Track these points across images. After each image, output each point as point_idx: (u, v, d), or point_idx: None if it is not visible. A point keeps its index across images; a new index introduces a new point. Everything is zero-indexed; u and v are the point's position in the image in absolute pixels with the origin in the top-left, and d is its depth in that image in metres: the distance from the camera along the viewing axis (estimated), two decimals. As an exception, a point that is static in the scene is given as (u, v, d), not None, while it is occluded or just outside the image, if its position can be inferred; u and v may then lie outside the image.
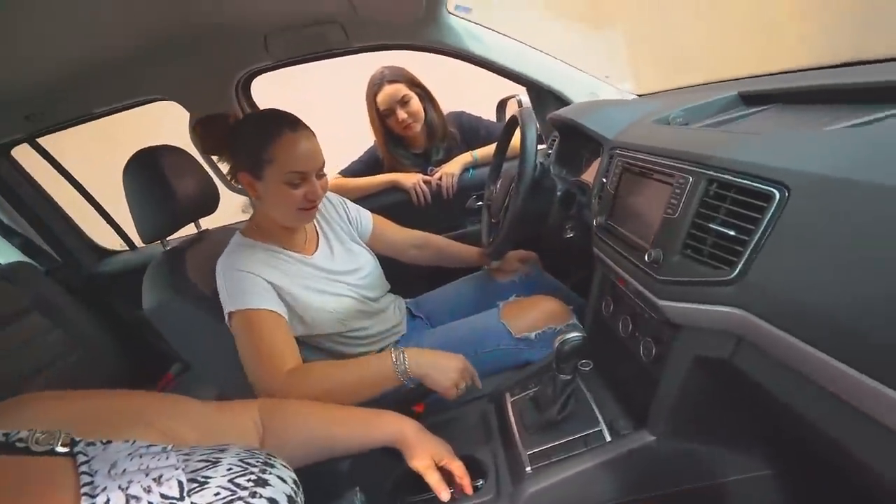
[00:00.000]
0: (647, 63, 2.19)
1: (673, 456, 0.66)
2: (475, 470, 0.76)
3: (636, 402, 0.70)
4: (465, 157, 1.53)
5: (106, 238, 1.72)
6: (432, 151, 1.59)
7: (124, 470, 0.39)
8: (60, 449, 0.39)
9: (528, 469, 0.70)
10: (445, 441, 0.73)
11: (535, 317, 1.00)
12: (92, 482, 0.37)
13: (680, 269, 0.54)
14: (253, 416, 0.64)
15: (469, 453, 0.79)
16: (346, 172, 1.59)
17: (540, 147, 1.01)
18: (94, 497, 0.36)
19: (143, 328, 1.55)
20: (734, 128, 0.67)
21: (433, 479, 0.66)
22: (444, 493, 0.66)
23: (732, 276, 0.46)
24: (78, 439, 0.41)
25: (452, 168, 1.50)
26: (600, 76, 1.34)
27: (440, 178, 1.49)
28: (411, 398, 0.91)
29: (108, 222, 1.65)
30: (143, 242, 1.01)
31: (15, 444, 0.39)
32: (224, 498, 0.38)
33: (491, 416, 0.88)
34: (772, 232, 0.43)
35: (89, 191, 1.60)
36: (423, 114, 1.51)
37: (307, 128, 0.90)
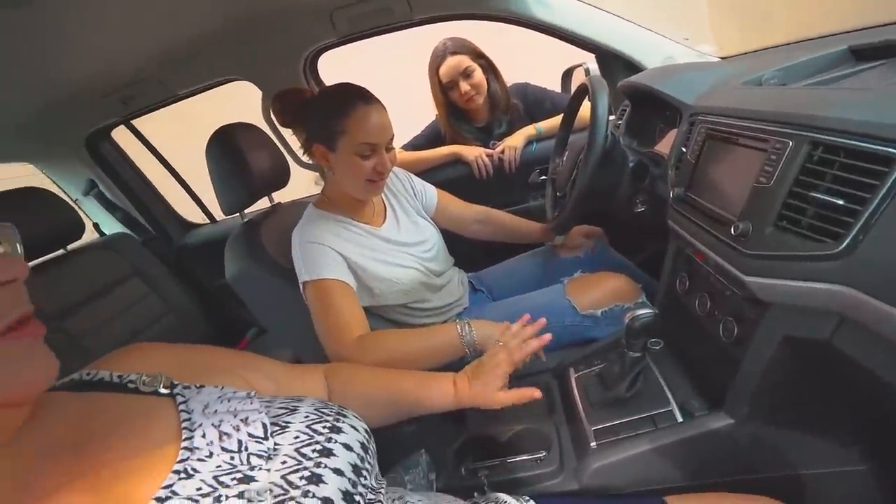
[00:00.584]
0: (730, 23, 1.99)
1: (752, 441, 0.62)
2: (537, 441, 0.76)
3: (712, 383, 0.67)
4: (529, 130, 1.49)
5: (188, 213, 1.87)
6: (494, 124, 1.56)
7: (216, 410, 0.43)
8: (163, 390, 0.45)
9: (593, 444, 0.70)
10: (507, 411, 0.73)
11: (601, 294, 0.98)
12: (189, 419, 0.42)
13: (772, 243, 0.50)
14: (320, 376, 0.68)
15: (531, 425, 0.80)
16: (408, 147, 1.61)
17: (609, 118, 0.96)
18: (192, 431, 0.40)
19: (223, 296, 1.69)
20: (842, 86, 0.59)
21: (513, 398, 0.66)
22: (536, 392, 0.66)
23: (839, 249, 0.41)
24: (176, 383, 0.46)
25: (515, 141, 1.47)
26: (678, 39, 1.24)
27: (502, 152, 1.46)
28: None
29: (191, 197, 1.79)
30: (224, 214, 1.09)
31: (127, 384, 0.44)
32: (303, 441, 0.41)
33: (554, 390, 0.88)
34: (892, 201, 0.38)
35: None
36: (485, 86, 1.48)
37: (378, 101, 0.92)
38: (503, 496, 0.61)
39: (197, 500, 0.34)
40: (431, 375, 0.71)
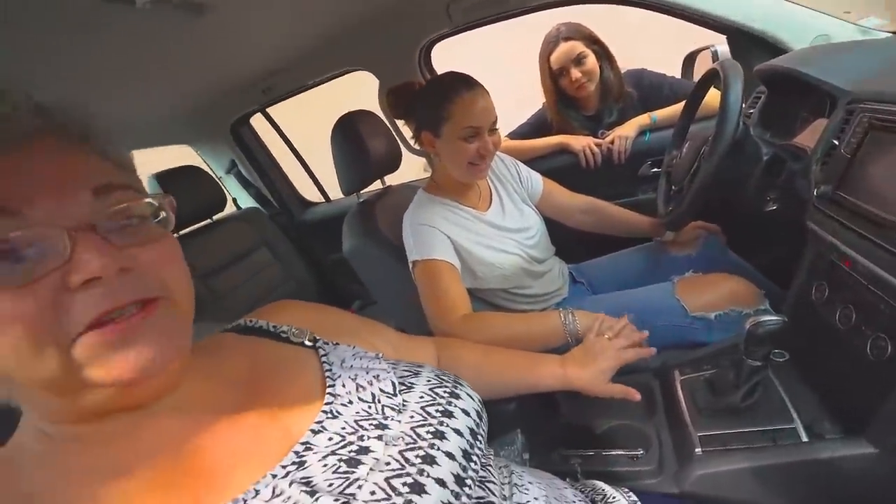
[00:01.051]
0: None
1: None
2: (635, 438, 0.75)
3: (850, 405, 0.60)
4: (643, 119, 1.40)
5: (306, 192, 2.08)
6: (604, 113, 1.50)
7: (351, 366, 0.49)
8: (308, 343, 0.52)
9: (699, 451, 0.67)
10: (605, 404, 0.73)
11: (716, 296, 0.91)
12: (331, 370, 0.48)
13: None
14: (431, 348, 0.73)
15: (629, 422, 0.78)
16: (514, 135, 1.61)
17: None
18: (334, 380, 0.47)
19: (335, 270, 1.86)
20: None
21: (617, 391, 0.68)
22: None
23: None
24: (318, 337, 0.53)
25: (627, 130, 1.40)
26: (835, 13, 1.08)
27: (612, 142, 1.40)
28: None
29: (310, 177, 1.98)
30: (343, 194, 1.20)
31: (280, 333, 0.52)
32: (426, 401, 0.45)
33: (655, 391, 0.84)
34: None
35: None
36: (598, 73, 1.43)
37: (481, 86, 0.95)
38: (600, 484, 0.62)
39: (343, 436, 0.40)
40: (540, 355, 0.74)
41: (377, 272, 1.08)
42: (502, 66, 2.71)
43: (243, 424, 0.40)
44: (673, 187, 1.11)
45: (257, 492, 0.35)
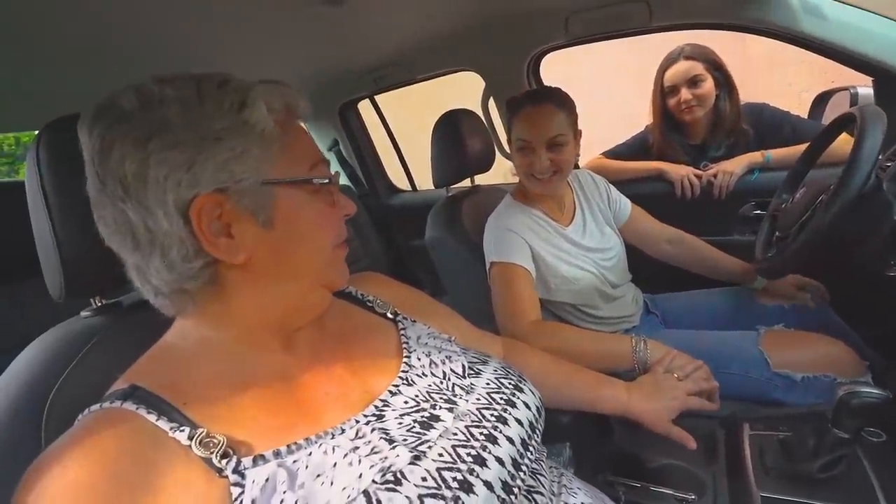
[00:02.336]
0: None
1: None
2: (688, 482, 0.72)
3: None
4: (754, 157, 1.31)
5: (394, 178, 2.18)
6: (711, 146, 1.42)
7: (426, 343, 0.53)
8: (389, 315, 0.57)
9: (759, 511, 0.63)
10: (660, 440, 0.71)
11: (808, 357, 0.84)
12: (407, 343, 0.53)
13: None
14: (499, 346, 0.75)
15: (683, 463, 0.75)
16: (610, 154, 1.57)
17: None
18: (409, 352, 0.51)
19: (410, 256, 1.94)
20: None
21: (675, 433, 0.67)
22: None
23: None
24: (398, 311, 0.58)
25: (734, 166, 1.32)
26: None
27: (714, 175, 1.33)
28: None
29: (402, 166, 2.08)
30: (435, 186, 1.26)
31: (366, 302, 0.58)
32: (492, 388, 0.48)
33: (718, 439, 0.80)
34: None
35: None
36: (711, 100, 1.36)
37: (551, 103, 0.97)
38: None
39: (417, 402, 0.44)
40: (606, 377, 0.73)
41: (453, 265, 1.13)
42: (613, 81, 2.65)
43: (333, 372, 0.46)
44: (777, 233, 1.03)
45: (343, 430, 0.40)
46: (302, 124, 0.51)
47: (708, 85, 1.35)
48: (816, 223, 0.82)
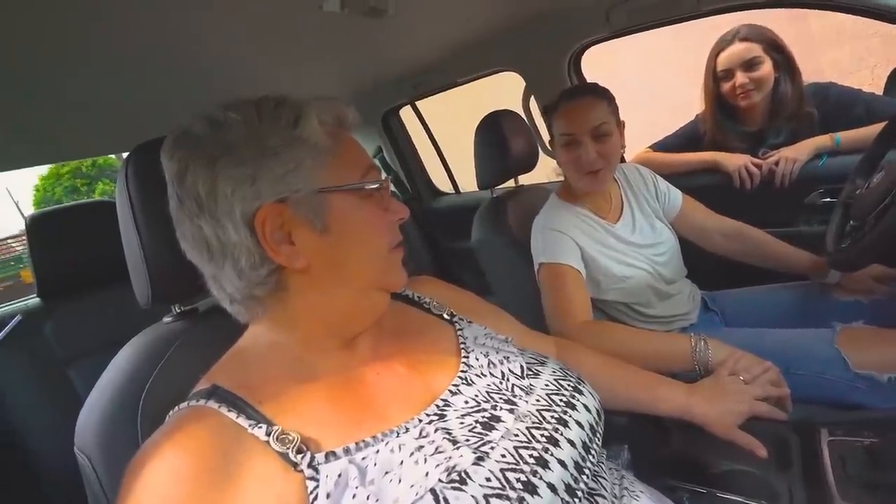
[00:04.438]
0: None
1: None
2: (759, 489, 0.68)
3: None
4: (822, 140, 1.22)
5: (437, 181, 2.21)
6: (770, 132, 1.33)
7: (484, 343, 0.54)
8: (446, 316, 0.58)
9: (842, 522, 0.59)
10: (726, 447, 0.67)
11: (894, 356, 0.77)
12: (465, 344, 0.53)
13: None
14: (553, 347, 0.75)
15: (753, 470, 0.71)
16: (658, 147, 1.51)
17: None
18: (468, 353, 0.52)
19: (453, 258, 1.95)
20: None
21: (742, 440, 0.64)
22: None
23: None
24: (454, 313, 0.58)
25: (798, 152, 1.23)
26: None
27: (776, 163, 1.25)
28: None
29: (445, 169, 2.10)
30: (479, 188, 1.26)
31: (423, 304, 0.59)
32: (551, 390, 0.48)
33: (793, 446, 0.75)
34: None
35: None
36: (770, 83, 1.27)
37: (590, 96, 0.97)
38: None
39: (477, 402, 0.45)
40: (666, 378, 0.71)
41: (500, 266, 1.13)
42: (656, 72, 2.55)
43: (395, 371, 0.48)
44: (851, 222, 0.96)
45: (407, 429, 0.41)
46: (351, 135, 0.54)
47: (766, 67, 1.27)
48: (897, 210, 0.75)
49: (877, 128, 0.99)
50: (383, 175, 0.53)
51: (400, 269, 0.51)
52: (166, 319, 0.61)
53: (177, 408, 0.43)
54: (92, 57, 0.81)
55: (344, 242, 0.46)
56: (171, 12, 0.74)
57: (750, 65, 1.27)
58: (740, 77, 1.28)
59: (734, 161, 1.30)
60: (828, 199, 1.22)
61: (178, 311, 0.61)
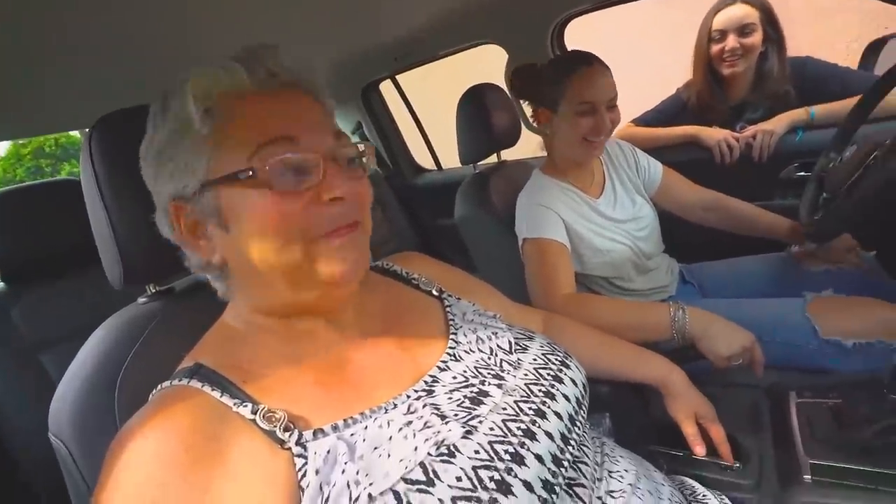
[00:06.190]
0: None
1: None
2: (734, 451, 0.71)
3: None
4: (798, 114, 1.24)
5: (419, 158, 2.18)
6: (749, 107, 1.35)
7: (472, 320, 0.54)
8: (435, 292, 0.57)
9: (807, 478, 0.62)
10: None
11: (860, 323, 0.81)
12: (453, 320, 0.53)
13: None
14: (539, 320, 0.76)
15: (728, 433, 0.74)
16: (639, 122, 1.51)
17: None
18: (456, 329, 0.52)
19: (436, 235, 1.94)
20: None
21: (691, 431, 0.66)
22: (700, 447, 0.66)
23: None
24: (443, 289, 0.58)
25: (774, 126, 1.24)
26: None
27: (753, 136, 1.26)
28: (672, 359, 0.89)
29: (427, 145, 2.07)
30: (461, 163, 1.25)
31: (411, 280, 0.58)
32: (539, 364, 0.48)
33: (764, 409, 0.79)
34: None
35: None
36: (755, 54, 1.28)
37: (602, 63, 0.96)
38: (690, 481, 0.61)
39: (466, 378, 0.45)
40: (648, 350, 0.73)
41: (484, 242, 1.13)
42: (640, 44, 2.53)
43: (382, 349, 0.47)
44: (824, 194, 0.98)
45: (395, 405, 0.41)
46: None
47: (758, 37, 1.26)
48: (870, 182, 0.78)
49: (851, 102, 1.01)
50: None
51: (336, 259, 0.42)
52: (141, 300, 0.59)
53: (159, 387, 0.42)
54: (48, 28, 0.75)
55: (243, 238, 0.41)
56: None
57: (744, 30, 1.27)
58: (731, 41, 1.28)
59: (714, 135, 1.31)
60: (803, 174, 1.25)
61: (154, 290, 0.59)
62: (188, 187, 0.42)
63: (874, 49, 1.35)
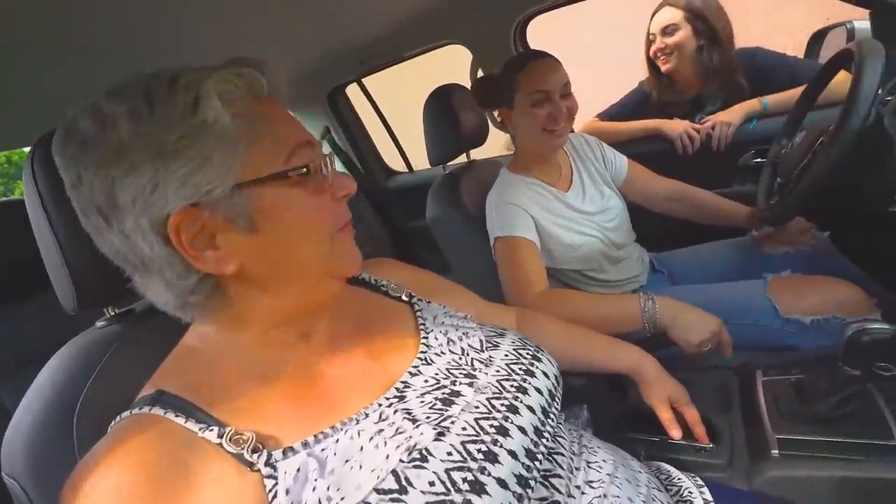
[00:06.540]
0: None
1: None
2: (708, 432, 0.74)
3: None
4: (752, 105, 1.29)
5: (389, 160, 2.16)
6: (707, 100, 1.40)
7: (443, 322, 0.54)
8: (404, 298, 0.57)
9: (775, 452, 0.65)
10: None
11: (816, 300, 0.85)
12: (424, 324, 0.53)
13: None
14: (512, 316, 0.76)
15: (701, 415, 0.77)
16: (604, 116, 1.55)
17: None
18: (427, 333, 0.52)
19: (411, 237, 1.94)
20: None
21: (666, 416, 0.68)
22: (676, 431, 0.68)
23: None
24: (413, 294, 0.58)
25: (731, 116, 1.29)
26: None
27: (712, 127, 1.31)
28: (645, 348, 0.91)
29: (397, 148, 2.06)
30: (431, 165, 1.25)
31: (380, 287, 0.58)
32: (510, 360, 0.49)
33: (733, 389, 0.82)
34: None
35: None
36: (686, 51, 1.33)
37: (552, 57, 0.99)
38: (666, 466, 0.63)
39: (437, 380, 0.45)
40: (620, 340, 0.75)
41: (456, 242, 1.13)
42: (604, 39, 2.57)
43: (353, 360, 0.47)
44: (779, 179, 1.03)
45: (367, 415, 0.41)
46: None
47: (683, 34, 1.33)
48: (818, 165, 0.81)
49: (800, 90, 1.05)
50: (325, 150, 0.49)
51: (350, 252, 0.47)
52: (99, 324, 0.57)
53: (119, 417, 0.40)
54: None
55: (277, 239, 0.41)
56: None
57: (666, 30, 1.34)
58: (658, 41, 1.36)
59: (675, 127, 1.36)
60: (759, 160, 1.30)
61: (113, 313, 0.57)
62: (216, 189, 0.38)
63: (817, 39, 1.41)
